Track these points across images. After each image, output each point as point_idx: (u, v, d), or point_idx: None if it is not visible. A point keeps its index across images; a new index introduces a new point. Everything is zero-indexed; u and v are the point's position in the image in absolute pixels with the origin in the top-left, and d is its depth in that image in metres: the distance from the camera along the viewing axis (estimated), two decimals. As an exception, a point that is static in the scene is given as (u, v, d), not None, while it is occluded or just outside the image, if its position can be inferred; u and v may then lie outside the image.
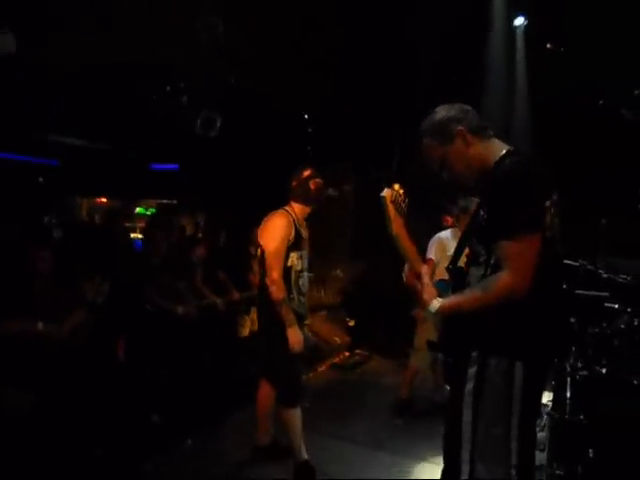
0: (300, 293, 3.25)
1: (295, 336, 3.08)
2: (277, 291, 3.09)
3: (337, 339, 5.95)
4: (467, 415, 1.88)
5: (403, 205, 2.10)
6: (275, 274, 3.09)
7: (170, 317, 4.18)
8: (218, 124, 5.39)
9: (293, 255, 3.18)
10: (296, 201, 3.29)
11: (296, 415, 3.20)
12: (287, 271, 3.17)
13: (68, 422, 2.93)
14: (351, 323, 6.18)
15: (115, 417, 3.30)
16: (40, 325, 2.91)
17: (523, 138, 5.37)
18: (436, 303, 1.96)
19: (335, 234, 6.42)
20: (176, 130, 5.56)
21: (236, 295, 5.13)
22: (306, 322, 3.41)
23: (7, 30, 3.80)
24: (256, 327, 5.26)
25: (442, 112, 2.05)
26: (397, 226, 2.08)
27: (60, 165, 6.92)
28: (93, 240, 4.77)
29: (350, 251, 6.68)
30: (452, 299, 1.96)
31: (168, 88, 4.94)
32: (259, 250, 3.21)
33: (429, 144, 2.04)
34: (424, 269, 2.11)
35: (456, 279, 2.04)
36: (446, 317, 1.96)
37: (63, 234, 5.82)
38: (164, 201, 8.28)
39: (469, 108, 2.06)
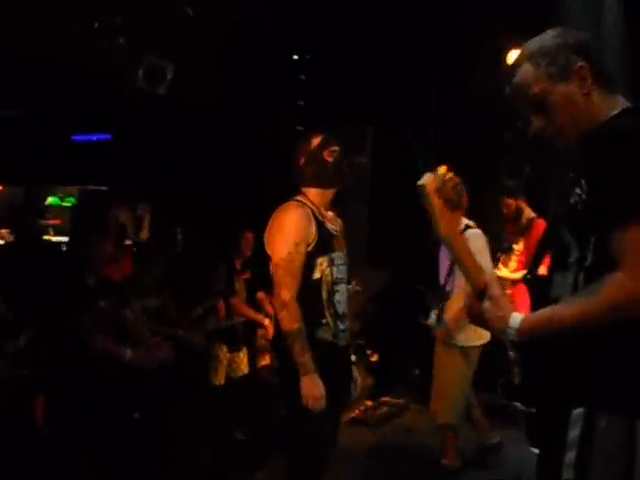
0: (337, 315, 3.28)
1: (310, 387, 3.08)
2: (288, 319, 3.11)
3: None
4: None
5: (454, 194, 2.11)
6: (286, 294, 3.12)
7: (114, 363, 4.20)
8: (169, 75, 5.50)
9: (321, 261, 3.23)
10: (310, 184, 3.34)
11: None
12: (315, 286, 3.22)
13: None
14: (374, 358, 6.26)
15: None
16: None
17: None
18: (516, 318, 1.95)
19: (346, 231, 6.42)
20: (109, 86, 5.66)
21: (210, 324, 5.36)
22: (353, 360, 3.54)
23: None
24: (239, 372, 5.83)
25: (560, 36, 2.02)
26: (446, 224, 2.07)
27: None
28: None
29: (368, 255, 6.69)
30: (541, 312, 1.94)
31: (96, 24, 4.96)
32: (270, 263, 3.25)
33: (531, 73, 2.02)
34: (489, 278, 2.10)
35: (537, 293, 2.03)
36: (531, 338, 1.94)
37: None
38: (89, 187, 8.32)
39: (592, 42, 2.04)
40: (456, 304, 4.50)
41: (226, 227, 6.20)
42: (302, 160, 3.34)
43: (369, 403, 6.06)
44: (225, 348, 5.78)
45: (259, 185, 6.49)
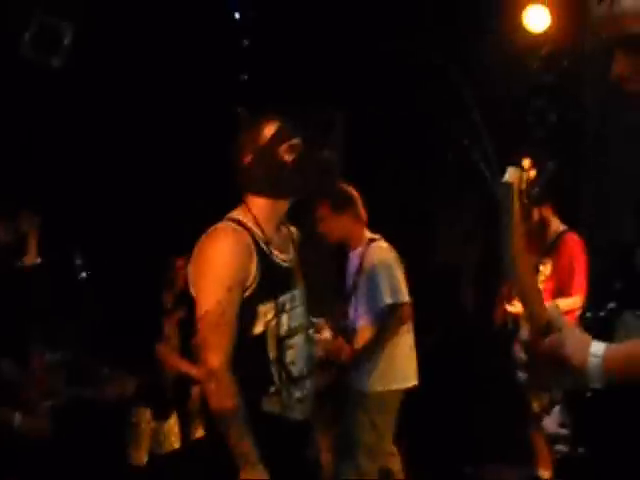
0: (291, 380, 3.27)
1: None
2: (218, 395, 3.11)
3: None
4: None
5: (531, 198, 2.13)
6: (214, 359, 3.11)
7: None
8: (66, 40, 5.54)
9: (264, 310, 3.20)
10: (258, 192, 3.28)
11: None
12: (256, 344, 3.20)
13: None
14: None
15: None
16: None
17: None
18: (599, 347, 1.97)
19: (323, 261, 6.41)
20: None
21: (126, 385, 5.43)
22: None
23: None
24: (168, 445, 6.06)
25: None
26: (518, 240, 2.09)
27: None
28: None
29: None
30: (631, 342, 1.98)
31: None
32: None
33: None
34: (552, 312, 2.12)
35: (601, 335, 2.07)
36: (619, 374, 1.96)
37: None
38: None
39: None
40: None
41: (147, 250, 6.35)
42: (248, 157, 3.27)
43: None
44: (149, 413, 5.81)
45: (190, 190, 6.72)
